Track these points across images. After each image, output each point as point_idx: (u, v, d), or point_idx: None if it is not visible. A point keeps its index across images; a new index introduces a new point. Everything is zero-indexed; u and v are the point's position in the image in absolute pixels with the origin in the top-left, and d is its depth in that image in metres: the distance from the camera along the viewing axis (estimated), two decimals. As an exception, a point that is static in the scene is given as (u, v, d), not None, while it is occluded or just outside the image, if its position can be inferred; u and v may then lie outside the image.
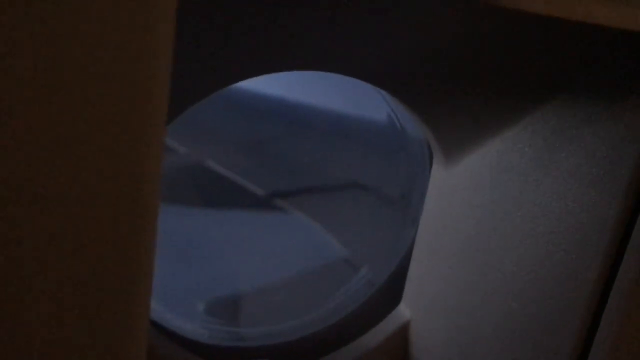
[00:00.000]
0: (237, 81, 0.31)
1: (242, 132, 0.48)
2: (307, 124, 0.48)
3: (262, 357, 0.38)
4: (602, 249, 0.26)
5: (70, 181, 0.18)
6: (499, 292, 0.33)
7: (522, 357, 0.31)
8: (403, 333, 0.40)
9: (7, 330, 0.19)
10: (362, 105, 0.47)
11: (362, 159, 0.48)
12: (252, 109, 0.48)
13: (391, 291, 0.42)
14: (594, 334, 0.27)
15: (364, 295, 0.42)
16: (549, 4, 0.21)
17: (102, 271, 0.19)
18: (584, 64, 0.28)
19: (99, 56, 0.17)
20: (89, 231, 0.19)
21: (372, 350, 0.40)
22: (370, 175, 0.48)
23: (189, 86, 0.29)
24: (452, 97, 0.33)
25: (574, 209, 0.28)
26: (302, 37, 0.29)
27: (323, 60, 0.31)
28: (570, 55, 0.28)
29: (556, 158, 0.29)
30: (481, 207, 0.34)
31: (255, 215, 0.49)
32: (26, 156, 0.18)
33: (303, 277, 0.46)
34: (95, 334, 0.20)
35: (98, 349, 0.20)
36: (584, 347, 0.27)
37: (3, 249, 0.18)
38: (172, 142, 0.46)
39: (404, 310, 0.41)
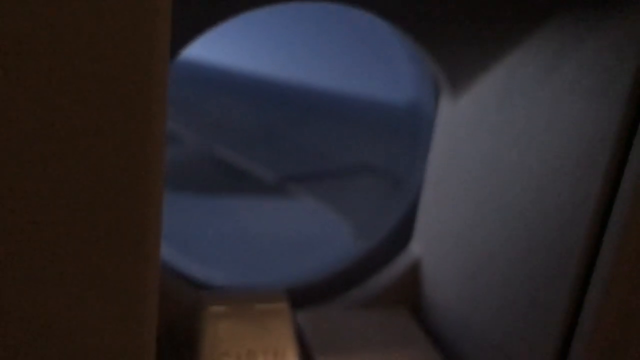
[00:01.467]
0: (238, 12, 0.31)
1: (250, 119, 0.48)
2: (315, 108, 0.49)
3: None
4: (604, 162, 0.26)
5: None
6: (506, 221, 0.33)
7: (530, 284, 0.31)
8: (414, 271, 0.41)
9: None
10: (370, 87, 0.48)
11: (371, 141, 0.48)
12: (259, 95, 0.48)
13: (401, 233, 0.42)
14: (598, 251, 0.27)
15: (372, 242, 0.42)
16: None
17: (112, 214, 0.19)
18: None
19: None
20: (96, 171, 0.19)
21: (384, 289, 0.40)
22: (379, 157, 0.48)
23: (191, 17, 0.30)
24: (455, 24, 0.33)
25: (577, 122, 0.28)
26: None
27: None
28: None
29: (559, 75, 0.29)
30: (488, 135, 0.34)
31: (266, 201, 0.49)
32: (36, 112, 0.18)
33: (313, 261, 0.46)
34: (107, 276, 0.20)
35: (110, 291, 0.20)
36: (588, 265, 0.27)
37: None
38: (180, 131, 0.46)
39: (414, 249, 0.41)
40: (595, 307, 0.27)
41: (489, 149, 0.34)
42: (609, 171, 0.26)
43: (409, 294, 0.41)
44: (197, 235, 0.45)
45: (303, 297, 0.40)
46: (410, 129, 0.46)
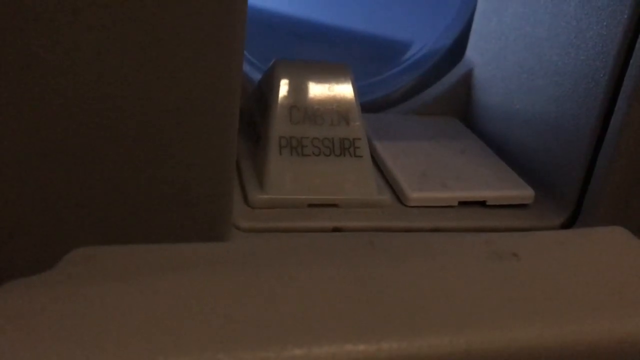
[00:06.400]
0: None
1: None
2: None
3: None
4: None
5: None
6: (557, 12, 0.33)
7: (577, 73, 0.32)
8: (467, 79, 0.42)
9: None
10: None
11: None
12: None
13: (456, 49, 0.44)
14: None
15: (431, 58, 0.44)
16: None
17: None
18: None
19: None
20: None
21: (436, 98, 0.42)
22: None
23: None
24: None
25: None
26: None
27: None
28: None
29: None
30: None
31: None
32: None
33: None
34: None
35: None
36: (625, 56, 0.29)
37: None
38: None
39: (468, 60, 0.43)
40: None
41: None
42: None
43: (461, 105, 0.42)
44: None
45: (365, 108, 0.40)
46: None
